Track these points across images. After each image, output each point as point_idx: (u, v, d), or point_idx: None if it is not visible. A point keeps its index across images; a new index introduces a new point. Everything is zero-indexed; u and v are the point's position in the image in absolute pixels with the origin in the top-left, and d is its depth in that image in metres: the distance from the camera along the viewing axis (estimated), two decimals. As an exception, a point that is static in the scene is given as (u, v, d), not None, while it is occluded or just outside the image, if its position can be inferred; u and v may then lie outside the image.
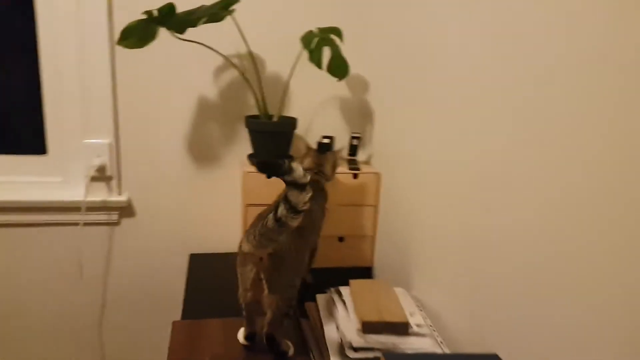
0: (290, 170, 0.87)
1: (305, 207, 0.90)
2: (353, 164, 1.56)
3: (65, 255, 1.63)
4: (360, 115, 1.69)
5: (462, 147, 1.02)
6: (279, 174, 0.87)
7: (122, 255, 1.68)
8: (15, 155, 1.61)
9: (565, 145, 0.72)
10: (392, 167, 1.45)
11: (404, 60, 1.34)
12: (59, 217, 1.59)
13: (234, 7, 1.37)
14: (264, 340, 1.04)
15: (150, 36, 1.29)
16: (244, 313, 1.07)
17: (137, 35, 1.26)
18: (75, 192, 1.57)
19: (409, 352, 0.98)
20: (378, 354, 0.97)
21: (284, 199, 0.89)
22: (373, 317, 1.04)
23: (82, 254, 1.62)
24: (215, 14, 1.34)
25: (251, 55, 1.45)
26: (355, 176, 1.53)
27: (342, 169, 1.53)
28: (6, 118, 1.65)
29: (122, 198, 1.60)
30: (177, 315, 1.70)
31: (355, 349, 0.98)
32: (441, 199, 1.12)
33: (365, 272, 1.59)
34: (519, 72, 0.83)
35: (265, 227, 0.91)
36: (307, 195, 0.89)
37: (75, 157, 1.57)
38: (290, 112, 1.64)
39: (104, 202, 1.59)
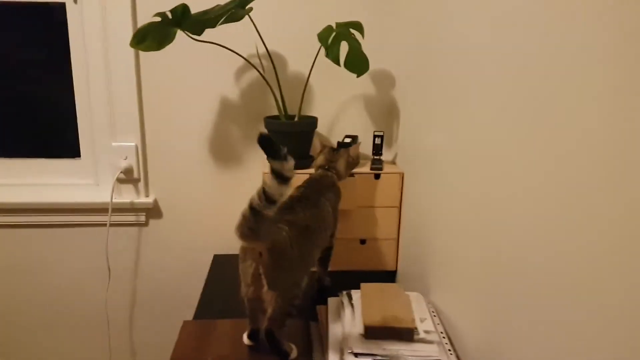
0: (284, 158, 0.85)
1: (281, 199, 0.88)
2: (377, 164, 1.51)
3: (95, 255, 1.68)
4: (387, 113, 1.63)
5: (487, 151, 0.93)
6: (273, 157, 0.85)
7: (150, 256, 1.71)
8: (52, 158, 1.69)
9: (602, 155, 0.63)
10: (414, 168, 1.39)
11: (431, 56, 1.27)
12: (90, 218, 1.65)
13: (250, 4, 1.36)
14: (264, 337, 1.02)
15: (168, 38, 1.30)
16: (247, 311, 1.05)
17: (153, 37, 1.27)
18: (106, 194, 1.62)
19: (412, 359, 0.92)
20: (379, 361, 0.92)
21: (261, 188, 0.87)
22: (377, 321, 0.99)
23: (110, 254, 1.66)
24: (233, 14, 1.34)
25: (269, 55, 1.44)
26: (377, 176, 1.48)
27: (364, 169, 1.49)
28: (45, 124, 1.73)
29: (149, 200, 1.64)
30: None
31: (355, 355, 0.94)
32: (460, 203, 1.05)
33: (388, 276, 1.53)
34: (559, 70, 0.70)
35: (243, 217, 0.90)
36: (286, 189, 0.87)
37: (105, 160, 1.62)
38: (313, 111, 1.61)
39: (132, 203, 1.63)
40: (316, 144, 1.38)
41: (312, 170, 1.43)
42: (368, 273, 1.52)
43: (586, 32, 0.62)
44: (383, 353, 0.93)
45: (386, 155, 1.65)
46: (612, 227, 0.57)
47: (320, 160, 1.32)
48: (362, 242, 1.52)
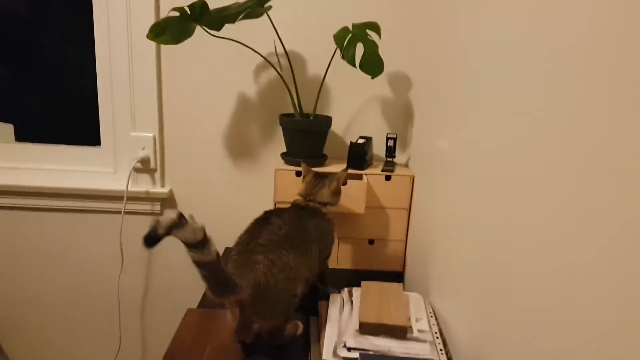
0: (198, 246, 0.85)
1: (198, 236, 0.86)
2: (388, 166, 1.52)
3: (110, 241, 1.73)
4: (402, 115, 1.64)
5: (491, 158, 0.89)
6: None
7: (164, 245, 1.73)
8: (74, 145, 1.75)
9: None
10: (424, 171, 1.39)
11: (445, 59, 1.25)
12: (108, 205, 1.70)
13: (269, 3, 1.38)
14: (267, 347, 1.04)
15: (186, 33, 1.33)
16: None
17: (171, 31, 1.31)
18: (124, 182, 1.66)
19: (402, 356, 0.92)
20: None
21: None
22: (372, 318, 0.99)
23: (125, 241, 1.70)
24: (252, 11, 1.36)
25: (286, 53, 1.46)
26: (388, 178, 1.48)
27: (375, 170, 1.49)
28: (68, 112, 1.79)
29: (164, 190, 1.68)
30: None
31: (349, 349, 0.94)
32: (462, 207, 1.03)
33: (395, 277, 1.52)
34: (577, 74, 0.63)
35: (203, 278, 0.91)
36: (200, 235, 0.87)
37: (123, 149, 1.67)
38: (329, 111, 1.63)
39: (147, 193, 1.67)
40: (303, 167, 1.33)
41: (323, 169, 1.45)
42: (375, 273, 1.52)
43: (603, 30, 0.62)
44: (375, 348, 0.94)
45: (400, 158, 1.65)
46: (622, 242, 0.52)
47: (300, 189, 1.26)
48: (371, 242, 1.52)
